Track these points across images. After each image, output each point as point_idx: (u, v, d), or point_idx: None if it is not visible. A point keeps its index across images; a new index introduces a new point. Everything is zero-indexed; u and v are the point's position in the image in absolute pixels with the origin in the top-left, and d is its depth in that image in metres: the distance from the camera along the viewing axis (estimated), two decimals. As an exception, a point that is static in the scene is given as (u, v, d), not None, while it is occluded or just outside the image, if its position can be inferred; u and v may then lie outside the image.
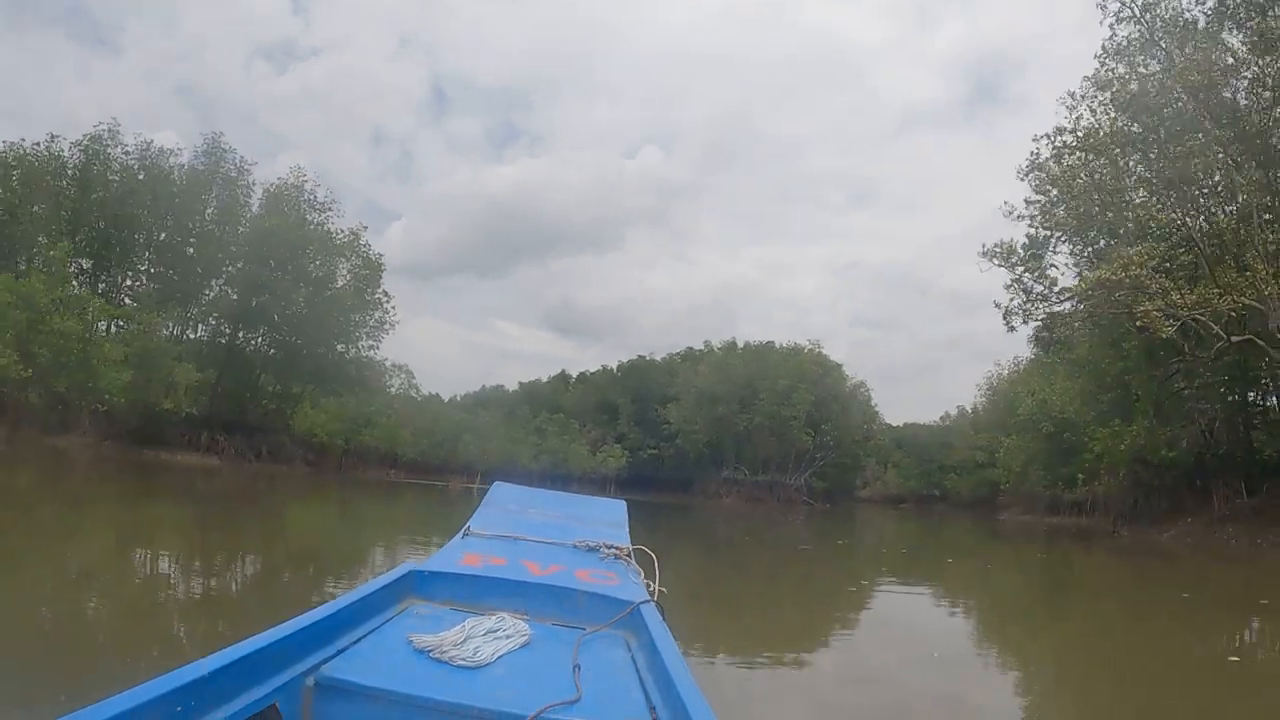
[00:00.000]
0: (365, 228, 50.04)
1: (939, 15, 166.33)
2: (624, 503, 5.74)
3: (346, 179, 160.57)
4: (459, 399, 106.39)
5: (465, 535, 4.37)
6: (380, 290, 50.14)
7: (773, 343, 78.41)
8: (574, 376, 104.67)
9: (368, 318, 49.79)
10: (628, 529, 4.97)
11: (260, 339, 49.00)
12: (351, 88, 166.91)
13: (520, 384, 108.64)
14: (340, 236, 48.49)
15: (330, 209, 48.45)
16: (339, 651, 2.57)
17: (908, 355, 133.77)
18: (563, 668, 2.66)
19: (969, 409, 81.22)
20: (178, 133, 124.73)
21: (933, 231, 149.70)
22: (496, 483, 5.87)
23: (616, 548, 4.24)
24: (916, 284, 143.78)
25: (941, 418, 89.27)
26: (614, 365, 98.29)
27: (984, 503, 67.61)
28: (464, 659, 2.60)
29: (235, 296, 45.02)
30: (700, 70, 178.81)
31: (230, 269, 45.74)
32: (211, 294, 46.18)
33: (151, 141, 45.50)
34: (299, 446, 48.47)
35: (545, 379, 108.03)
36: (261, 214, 45.95)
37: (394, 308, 51.27)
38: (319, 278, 46.86)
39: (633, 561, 4.13)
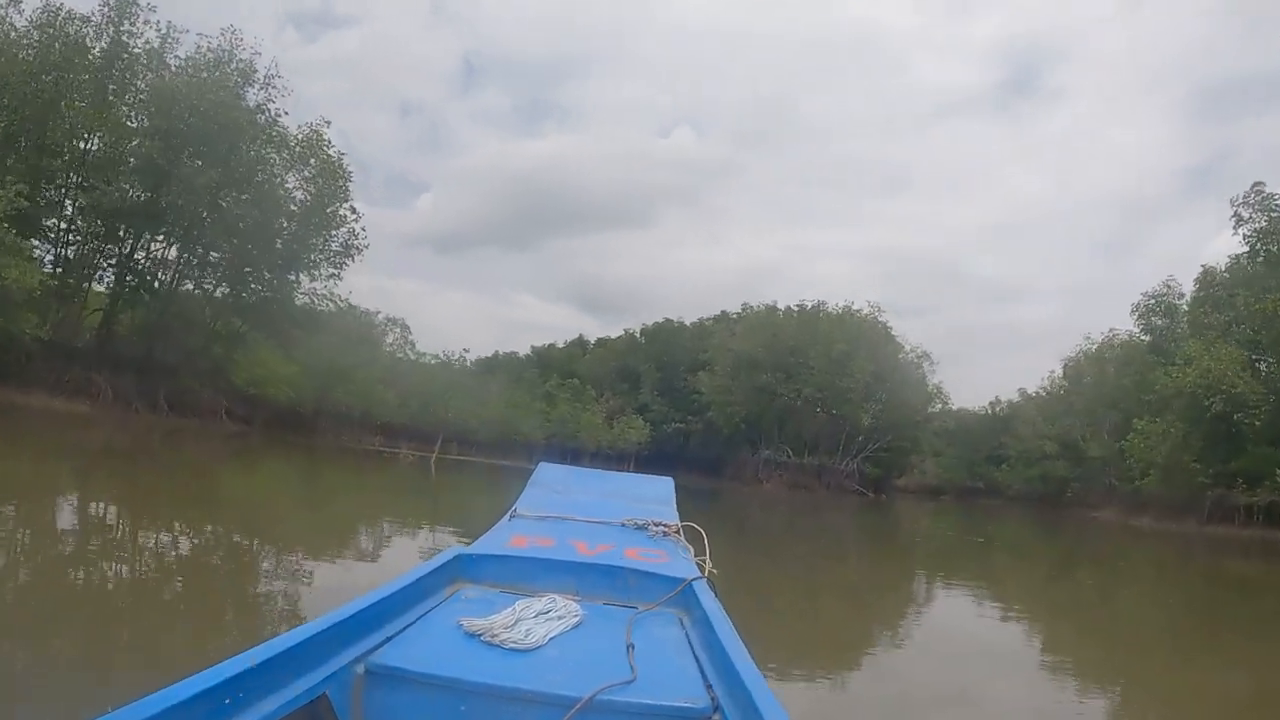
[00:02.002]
0: (328, 123, 39.16)
1: (977, 2, 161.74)
2: (671, 479, 5.56)
3: (374, 150, 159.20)
4: (468, 364, 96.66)
5: (512, 517, 4.33)
6: (346, 205, 39.48)
7: (823, 304, 66.80)
8: (592, 343, 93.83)
9: (328, 239, 39.19)
10: (675, 505, 4.88)
11: (173, 252, 38.52)
12: (381, 57, 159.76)
13: (533, 348, 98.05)
14: (296, 134, 37.80)
15: (275, 90, 37.64)
16: (388, 638, 2.54)
17: (940, 343, 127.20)
18: (616, 648, 2.62)
19: (1035, 392, 71.89)
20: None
21: (966, 219, 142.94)
22: (541, 463, 5.76)
23: (665, 525, 4.21)
24: (949, 271, 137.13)
25: (991, 403, 79.36)
26: (637, 330, 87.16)
27: (1045, 499, 62.08)
28: (515, 641, 2.57)
29: (130, 187, 34.29)
30: (734, 49, 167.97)
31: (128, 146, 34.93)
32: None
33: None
34: (228, 399, 37.83)
35: (561, 344, 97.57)
36: (169, 76, 35.03)
37: (363, 229, 40.71)
38: (259, 180, 36.23)
39: (682, 538, 4.09)
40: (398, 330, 74.35)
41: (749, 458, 65.26)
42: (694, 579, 3.27)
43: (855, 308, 64.71)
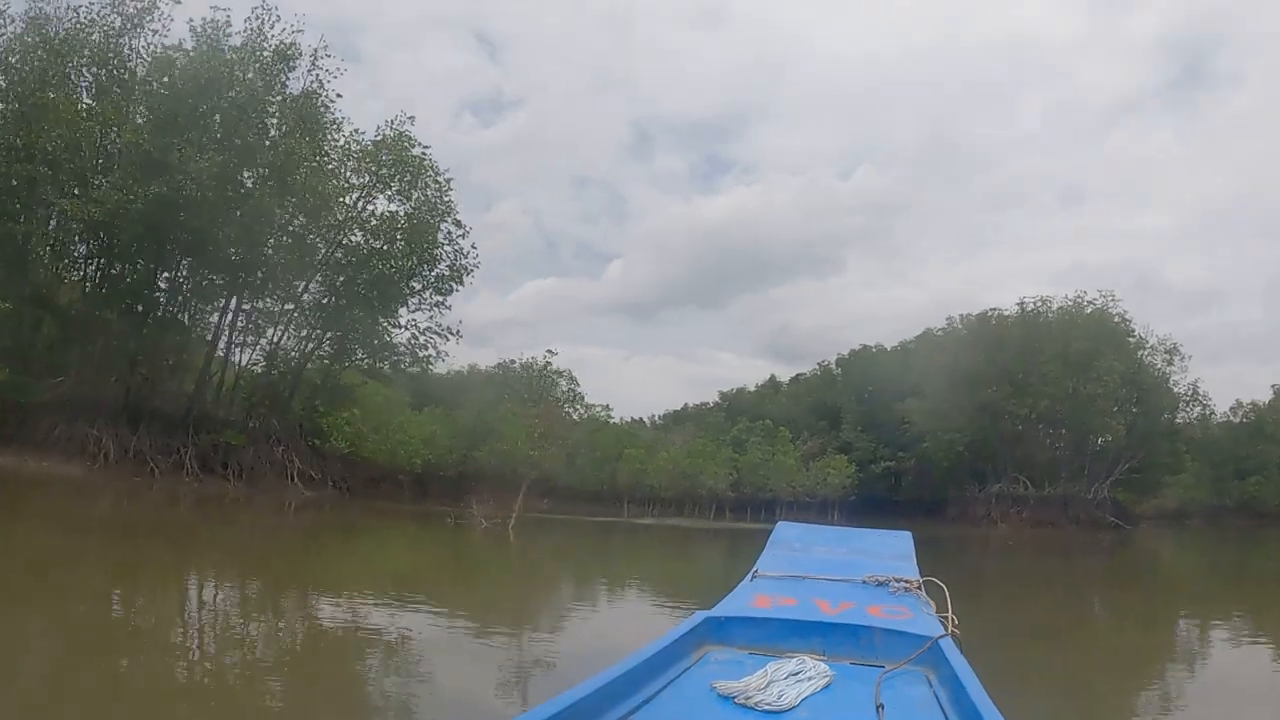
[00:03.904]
0: (411, 118, 32.97)
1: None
2: (909, 534, 5.46)
3: (559, 223, 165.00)
4: (657, 419, 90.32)
5: (754, 578, 4.26)
6: (450, 220, 33.74)
7: (1048, 300, 55.02)
8: (785, 383, 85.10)
9: (428, 269, 33.60)
10: (915, 560, 4.79)
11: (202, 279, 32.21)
12: (556, 132, 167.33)
13: (720, 393, 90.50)
14: (359, 137, 32.64)
15: (326, 71, 31.39)
16: (644, 702, 2.57)
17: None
18: (866, 708, 2.58)
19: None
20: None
21: (1149, 226, 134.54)
22: (780, 523, 5.81)
23: (906, 580, 4.12)
24: (1139, 283, 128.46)
25: (1232, 409, 64.69)
26: (832, 361, 77.66)
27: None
28: (769, 704, 2.54)
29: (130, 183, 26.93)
30: (900, 79, 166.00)
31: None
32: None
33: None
34: (301, 460, 32.25)
35: (752, 388, 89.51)
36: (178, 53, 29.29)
37: (474, 247, 34.90)
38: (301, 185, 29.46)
39: (924, 594, 4.02)
40: (565, 381, 69.51)
41: (976, 494, 54.31)
42: (940, 637, 3.16)
43: (1087, 298, 53.12)
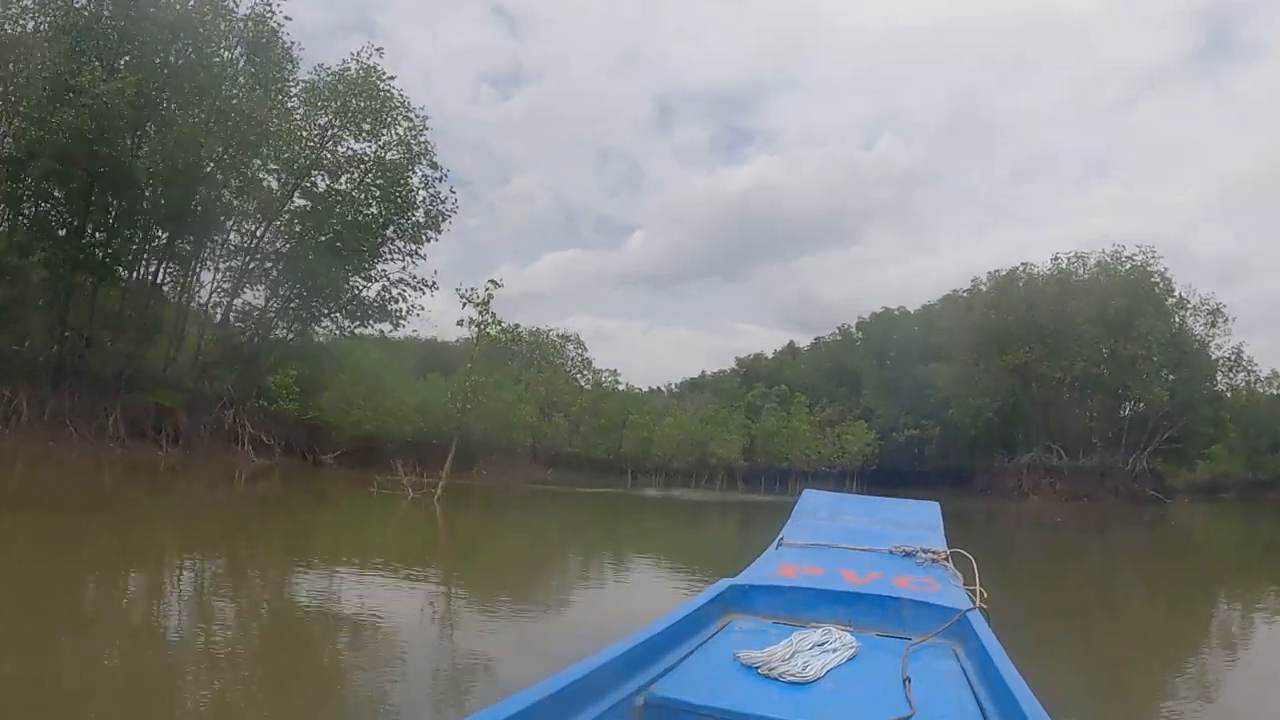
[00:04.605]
0: (379, 49, 29.17)
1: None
2: (937, 504, 5.38)
3: (580, 196, 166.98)
4: (674, 388, 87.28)
5: (779, 545, 4.23)
6: (426, 162, 30.54)
7: (1083, 257, 50.99)
8: (804, 348, 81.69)
9: (402, 217, 30.38)
10: (943, 531, 4.69)
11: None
12: (576, 105, 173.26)
13: (737, 359, 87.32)
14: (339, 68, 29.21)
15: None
16: (666, 670, 2.55)
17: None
18: (892, 681, 2.54)
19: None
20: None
21: (1177, 198, 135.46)
22: (806, 490, 5.75)
23: (934, 551, 4.06)
24: (1167, 257, 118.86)
25: (1268, 378, 59.83)
26: (853, 324, 74.09)
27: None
28: (793, 674, 2.52)
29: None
30: (924, 51, 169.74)
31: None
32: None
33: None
34: (285, 428, 29.15)
35: (770, 354, 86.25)
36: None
37: (452, 192, 31.69)
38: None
39: (951, 566, 3.92)
40: (573, 346, 66.21)
41: (1006, 464, 50.88)
42: (968, 610, 3.09)
43: (1126, 253, 49.01)
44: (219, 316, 30.99)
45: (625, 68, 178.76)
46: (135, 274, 29.14)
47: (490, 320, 23.89)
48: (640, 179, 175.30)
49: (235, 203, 28.59)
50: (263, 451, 28.66)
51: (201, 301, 31.01)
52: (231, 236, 30.14)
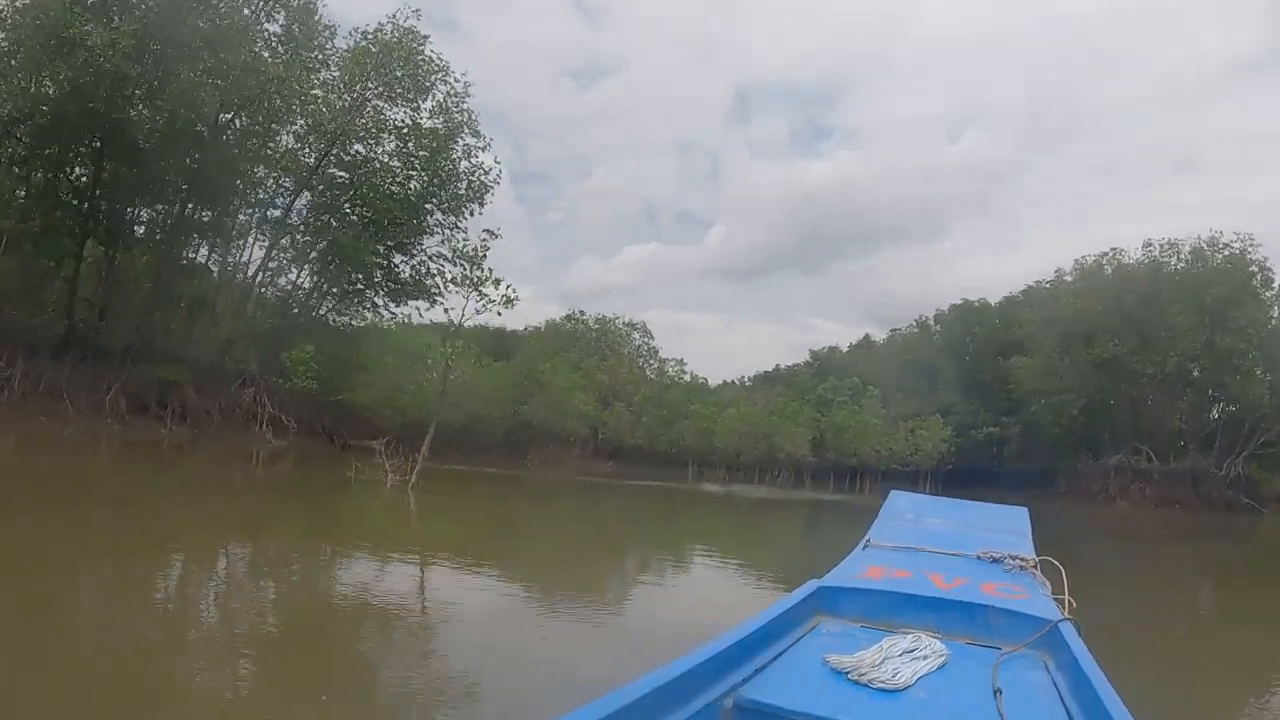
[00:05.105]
0: (416, 12, 27.83)
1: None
2: (1025, 509, 5.29)
3: (659, 189, 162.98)
4: (747, 381, 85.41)
5: (865, 547, 4.23)
6: (469, 131, 29.50)
7: (1176, 245, 46.75)
8: (880, 341, 78.97)
9: (441, 189, 29.36)
10: (1031, 537, 4.62)
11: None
12: (654, 98, 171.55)
13: (811, 352, 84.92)
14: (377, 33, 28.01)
15: None
16: (755, 672, 2.55)
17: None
18: (983, 692, 2.52)
19: None
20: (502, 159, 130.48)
21: (1264, 196, 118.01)
22: (893, 491, 5.75)
23: (1022, 558, 3.99)
24: (1258, 255, 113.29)
25: None
26: (930, 316, 71.18)
27: None
28: (884, 681, 2.49)
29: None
30: (1007, 43, 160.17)
31: None
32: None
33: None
34: (313, 409, 28.08)
35: (845, 348, 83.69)
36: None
37: (497, 162, 30.63)
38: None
39: (1039, 573, 3.88)
40: (640, 334, 64.75)
41: (1091, 466, 47.71)
42: (1059, 620, 3.03)
43: (1223, 240, 45.17)
44: (255, 294, 30.42)
45: (703, 59, 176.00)
46: (153, 245, 28.39)
47: (486, 276, 21.07)
48: (719, 172, 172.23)
49: (258, 171, 27.68)
50: (280, 432, 27.60)
51: (240, 278, 30.47)
52: (262, 210, 29.42)
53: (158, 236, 28.72)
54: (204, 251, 30.26)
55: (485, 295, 21.15)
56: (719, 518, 24.58)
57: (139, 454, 20.05)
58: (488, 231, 22.24)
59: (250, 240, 30.11)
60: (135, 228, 26.87)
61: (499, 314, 21.53)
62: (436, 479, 20.51)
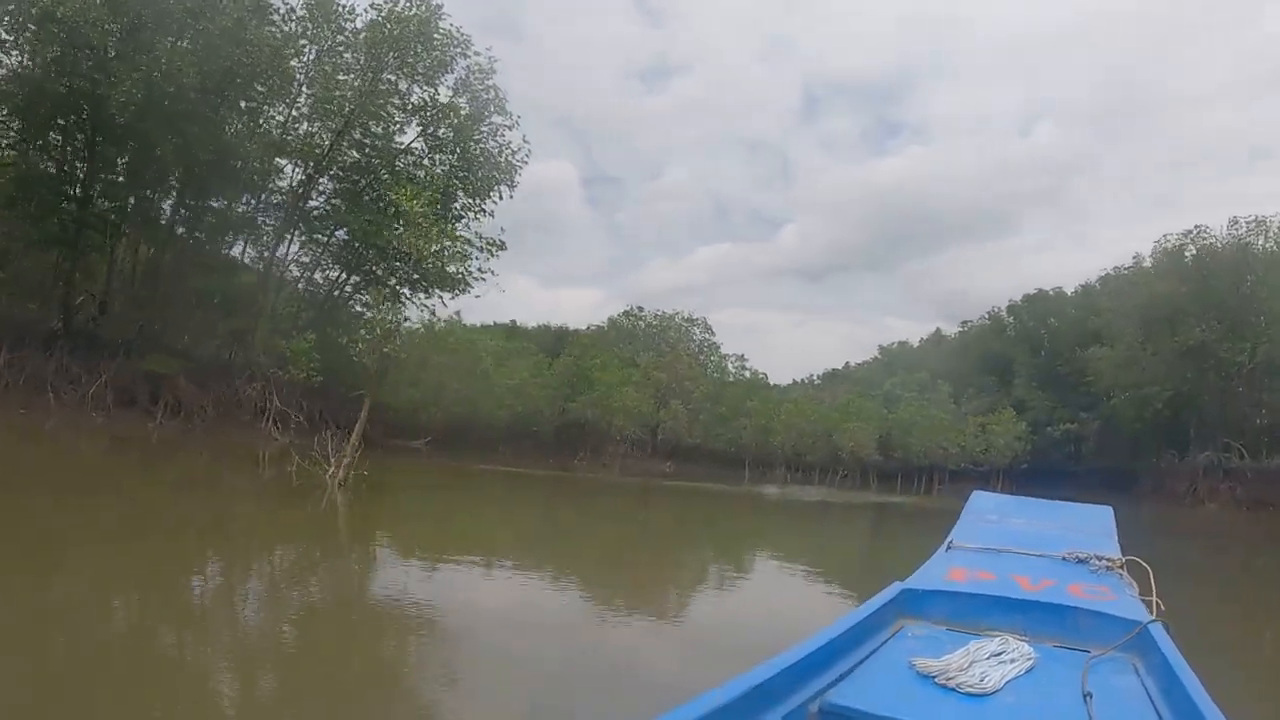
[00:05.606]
0: None
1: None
2: (1110, 508, 5.21)
3: (730, 189, 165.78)
4: (815, 379, 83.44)
5: (949, 549, 4.17)
6: (496, 110, 28.52)
7: (1264, 223, 42.98)
8: (951, 336, 76.31)
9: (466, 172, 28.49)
10: (1116, 537, 4.54)
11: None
12: (722, 97, 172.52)
13: (880, 347, 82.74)
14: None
15: None
16: (840, 677, 2.53)
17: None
18: (1073, 696, 2.47)
19: None
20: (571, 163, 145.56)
21: None
22: (976, 492, 5.72)
23: (1108, 559, 3.91)
24: None
25: None
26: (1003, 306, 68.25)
27: None
28: (971, 685, 2.46)
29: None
30: (1077, 33, 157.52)
31: None
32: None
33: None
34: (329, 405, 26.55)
35: (915, 343, 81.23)
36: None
37: (526, 141, 29.57)
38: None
39: (1126, 574, 3.79)
40: (699, 328, 63.16)
41: (1175, 464, 44.62)
42: (1149, 622, 2.98)
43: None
44: (276, 284, 29.74)
45: (770, 57, 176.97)
46: (154, 235, 27.71)
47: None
48: (789, 171, 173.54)
49: (254, 152, 26.63)
50: (288, 429, 25.83)
51: (261, 268, 29.92)
52: (269, 196, 28.65)
53: (160, 225, 28.03)
54: (212, 241, 29.64)
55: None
56: (765, 537, 22.48)
57: (123, 449, 19.28)
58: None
59: (264, 229, 29.39)
60: (134, 217, 26.10)
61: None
62: (437, 476, 19.25)
